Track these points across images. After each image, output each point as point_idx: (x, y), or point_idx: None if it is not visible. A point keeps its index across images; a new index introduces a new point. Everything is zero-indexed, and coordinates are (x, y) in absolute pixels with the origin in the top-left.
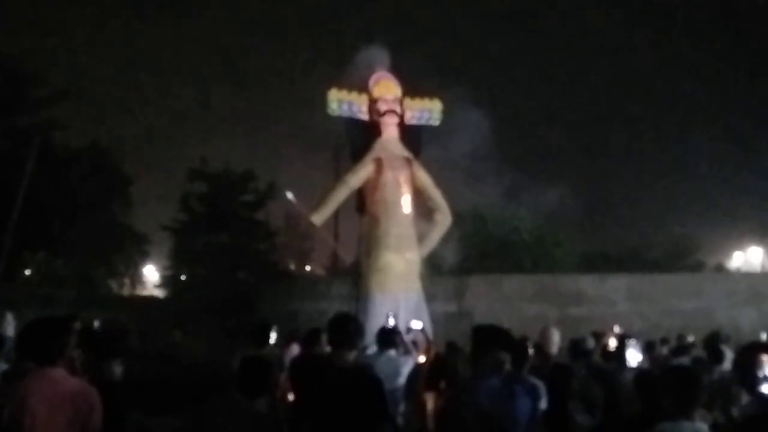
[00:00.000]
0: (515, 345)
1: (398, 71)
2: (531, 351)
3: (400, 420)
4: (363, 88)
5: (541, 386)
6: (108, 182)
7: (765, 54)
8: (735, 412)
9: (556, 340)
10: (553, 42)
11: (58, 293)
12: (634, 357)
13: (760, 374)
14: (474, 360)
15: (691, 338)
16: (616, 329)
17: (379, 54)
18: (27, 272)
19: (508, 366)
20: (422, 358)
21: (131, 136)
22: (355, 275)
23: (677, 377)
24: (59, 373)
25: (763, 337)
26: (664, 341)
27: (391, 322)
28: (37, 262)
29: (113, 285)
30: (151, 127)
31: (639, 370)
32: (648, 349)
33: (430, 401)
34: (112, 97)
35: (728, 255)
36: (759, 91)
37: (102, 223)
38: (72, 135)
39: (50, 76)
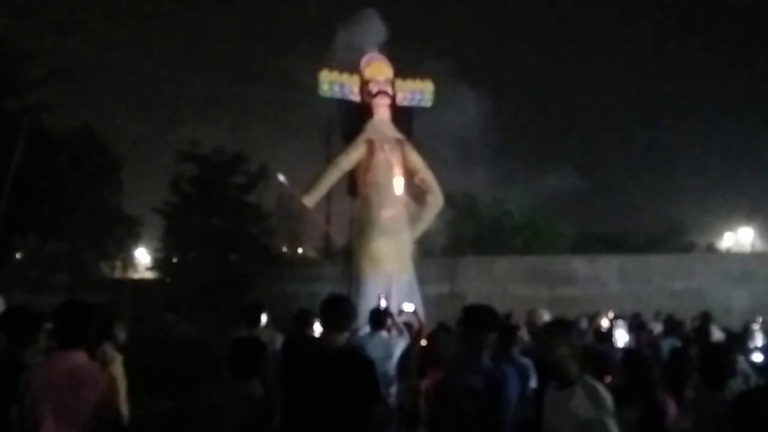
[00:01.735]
0: (504, 326)
1: (394, 43)
2: (523, 331)
3: (392, 401)
4: (354, 68)
5: (531, 366)
6: (99, 165)
7: (751, 44)
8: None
9: (545, 320)
10: (550, 31)
11: (49, 276)
12: (621, 337)
13: (752, 344)
14: (464, 340)
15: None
16: (611, 314)
17: (375, 22)
18: (18, 256)
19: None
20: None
21: (122, 119)
22: (348, 257)
23: (707, 353)
24: (81, 356)
25: (757, 318)
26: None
27: (383, 304)
28: (27, 246)
29: (105, 268)
30: (141, 110)
31: (626, 349)
32: (635, 329)
33: (423, 382)
34: (103, 79)
35: (718, 236)
36: (746, 79)
37: (93, 205)
38: (62, 117)
39: (39, 57)
